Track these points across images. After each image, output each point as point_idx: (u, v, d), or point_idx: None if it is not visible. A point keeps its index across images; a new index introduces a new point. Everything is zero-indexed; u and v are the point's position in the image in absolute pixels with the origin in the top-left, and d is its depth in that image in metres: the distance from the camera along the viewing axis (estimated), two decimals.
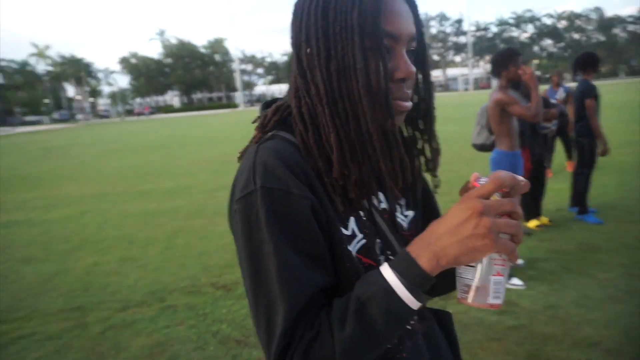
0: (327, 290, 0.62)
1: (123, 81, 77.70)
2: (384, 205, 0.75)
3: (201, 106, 67.75)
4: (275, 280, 0.59)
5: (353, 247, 0.66)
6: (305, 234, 0.61)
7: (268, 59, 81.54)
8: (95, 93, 74.44)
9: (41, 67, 69.05)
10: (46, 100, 70.18)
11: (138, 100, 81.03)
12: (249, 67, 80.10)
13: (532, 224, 4.17)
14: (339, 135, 0.64)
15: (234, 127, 21.71)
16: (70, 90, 71.26)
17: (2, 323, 3.06)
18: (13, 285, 3.80)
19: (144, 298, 3.29)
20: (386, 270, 0.58)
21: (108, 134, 25.59)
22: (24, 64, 68.28)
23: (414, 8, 0.68)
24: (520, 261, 3.35)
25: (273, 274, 0.59)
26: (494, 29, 77.87)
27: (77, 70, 67.32)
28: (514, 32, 78.85)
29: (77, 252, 4.56)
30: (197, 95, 79.65)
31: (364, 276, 0.60)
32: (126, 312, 3.09)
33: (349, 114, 0.64)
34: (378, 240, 0.70)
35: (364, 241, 0.68)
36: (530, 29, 78.24)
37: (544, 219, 4.23)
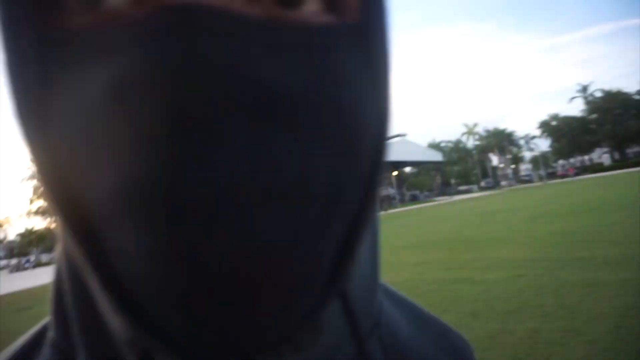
0: None
1: (544, 145, 76.83)
2: None
3: (638, 161, 57.85)
4: None
5: None
6: None
7: None
8: (516, 159, 77.52)
9: (470, 142, 78.94)
10: (475, 171, 79.01)
11: (560, 162, 78.26)
12: None
13: None
14: None
15: None
16: (494, 159, 77.24)
17: None
18: (466, 335, 4.30)
19: None
20: None
21: (532, 199, 25.73)
22: (457, 142, 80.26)
23: None
24: None
25: None
26: None
27: (499, 140, 72.67)
28: None
29: (517, 314, 4.68)
30: (633, 149, 68.79)
31: None
32: None
33: None
34: None
35: None
36: None
37: None
